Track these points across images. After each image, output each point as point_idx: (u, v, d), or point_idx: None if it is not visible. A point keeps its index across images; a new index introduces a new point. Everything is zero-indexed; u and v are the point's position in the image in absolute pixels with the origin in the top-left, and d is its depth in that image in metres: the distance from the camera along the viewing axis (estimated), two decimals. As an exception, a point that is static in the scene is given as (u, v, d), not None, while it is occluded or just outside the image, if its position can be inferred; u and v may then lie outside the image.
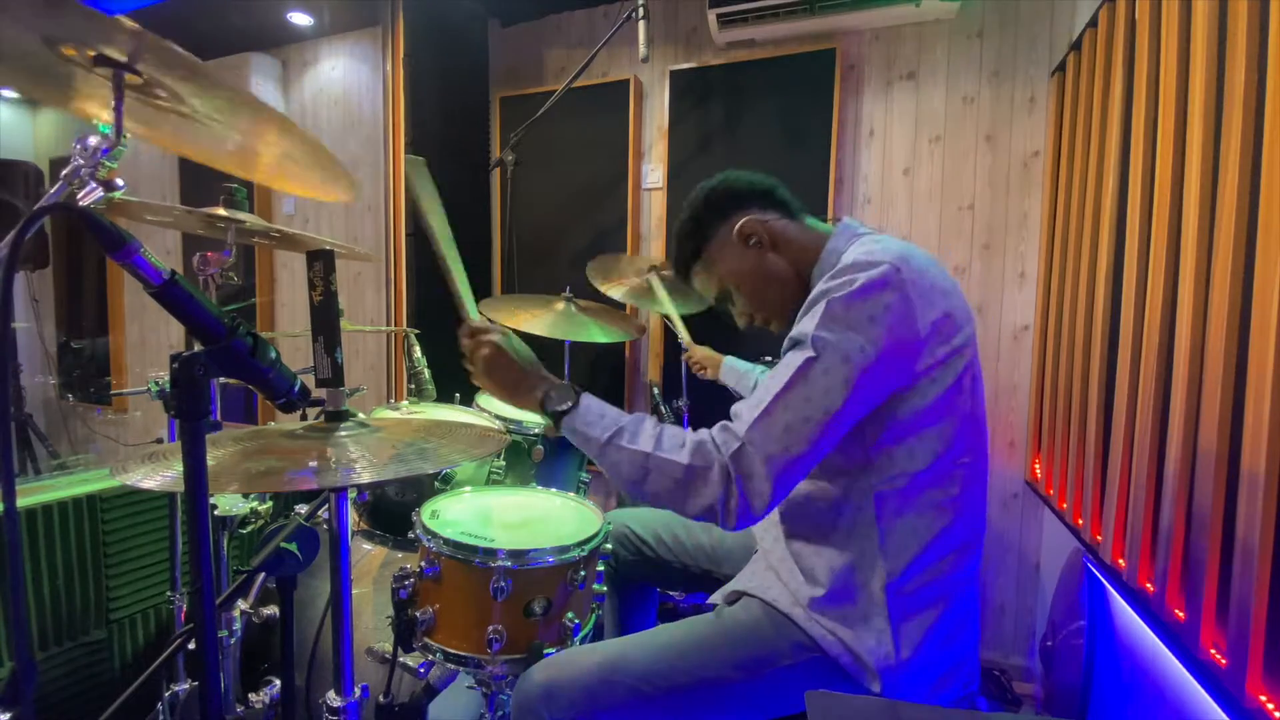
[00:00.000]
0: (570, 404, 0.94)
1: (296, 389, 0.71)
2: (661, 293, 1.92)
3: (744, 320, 1.11)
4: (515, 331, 1.96)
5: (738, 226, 1.04)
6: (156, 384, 1.26)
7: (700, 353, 1.81)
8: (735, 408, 0.90)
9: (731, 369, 1.69)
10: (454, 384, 1.89)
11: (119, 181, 0.85)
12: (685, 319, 1.90)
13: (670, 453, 0.87)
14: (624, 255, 2.40)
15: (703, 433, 0.89)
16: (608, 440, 0.90)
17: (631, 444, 0.89)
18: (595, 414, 0.93)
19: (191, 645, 0.63)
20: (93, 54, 0.77)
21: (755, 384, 1.54)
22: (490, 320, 1.07)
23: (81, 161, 0.82)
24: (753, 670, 0.94)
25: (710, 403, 1.97)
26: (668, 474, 0.86)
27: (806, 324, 0.87)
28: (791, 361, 0.86)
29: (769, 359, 2.17)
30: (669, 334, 2.44)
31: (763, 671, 0.94)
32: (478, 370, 1.01)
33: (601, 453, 0.91)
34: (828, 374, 0.84)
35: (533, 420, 1.61)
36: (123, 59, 0.76)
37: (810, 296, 0.90)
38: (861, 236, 0.99)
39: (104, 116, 0.84)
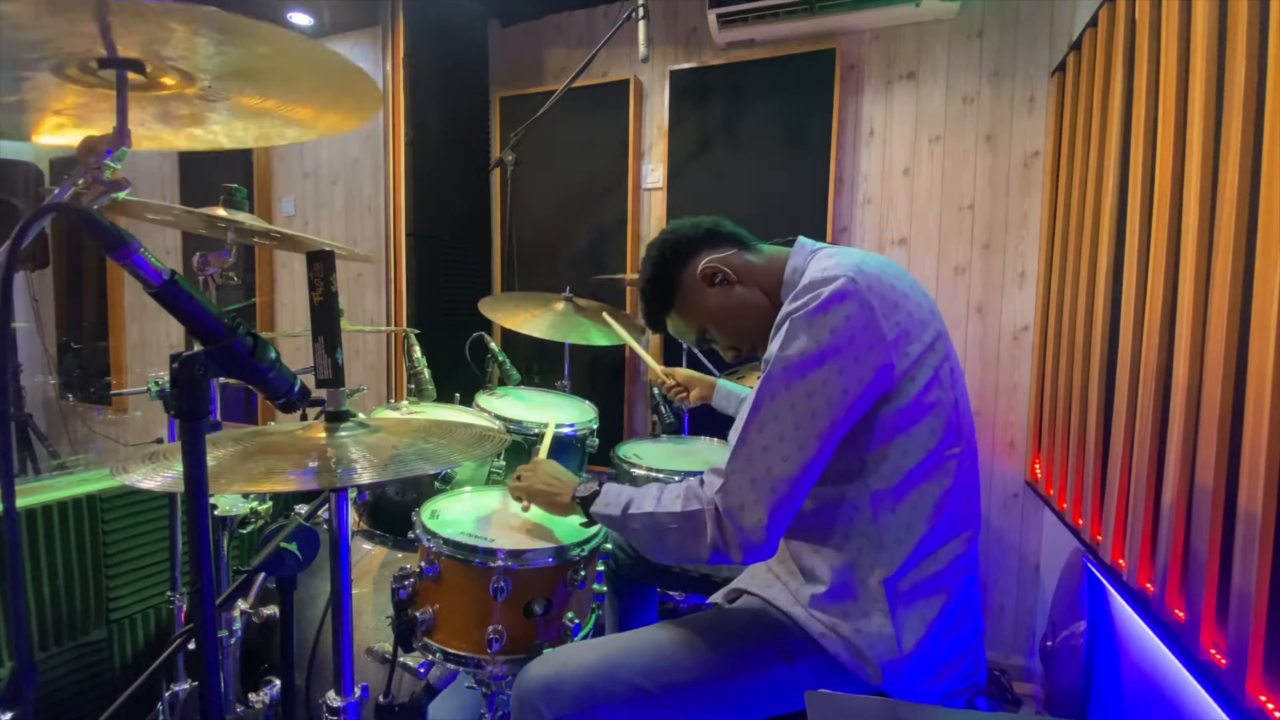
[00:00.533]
0: (591, 493, 1.04)
1: (296, 389, 0.71)
2: (619, 329, 1.83)
3: (730, 354, 1.12)
4: (515, 332, 1.96)
5: (699, 270, 1.07)
6: (156, 384, 1.26)
7: (681, 375, 1.61)
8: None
9: (728, 394, 1.56)
10: (454, 384, 1.89)
11: (125, 182, 0.85)
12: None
13: (668, 506, 0.93)
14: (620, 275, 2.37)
15: (693, 479, 0.95)
16: (623, 513, 0.98)
17: (639, 509, 0.96)
18: (613, 494, 1.02)
19: (191, 645, 0.63)
20: (96, 60, 0.77)
21: None
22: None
23: (84, 163, 0.82)
24: (753, 668, 0.94)
25: (710, 403, 1.97)
26: (670, 527, 0.92)
27: (773, 347, 0.90)
28: (760, 383, 0.90)
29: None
30: (670, 343, 2.44)
31: (763, 669, 0.94)
32: (525, 497, 1.15)
33: (623, 528, 0.99)
34: (799, 389, 0.86)
35: (533, 420, 1.61)
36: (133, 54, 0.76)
37: (776, 321, 0.92)
38: (817, 252, 1.02)
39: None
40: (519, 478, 1.15)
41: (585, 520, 1.07)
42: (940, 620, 0.92)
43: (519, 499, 1.16)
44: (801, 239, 1.07)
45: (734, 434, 0.91)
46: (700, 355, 1.99)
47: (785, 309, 0.91)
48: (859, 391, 0.86)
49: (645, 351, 1.68)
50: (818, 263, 0.97)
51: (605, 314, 1.92)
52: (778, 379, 0.87)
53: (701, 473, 0.94)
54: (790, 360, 0.87)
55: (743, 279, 1.06)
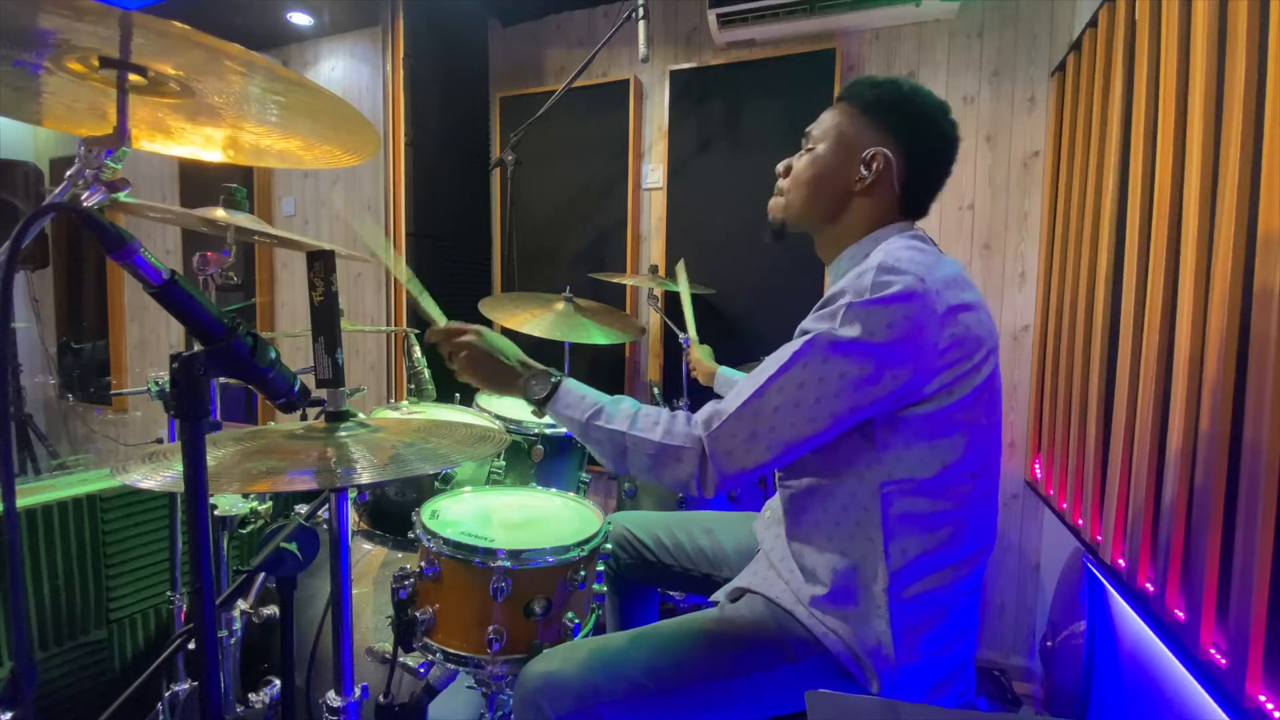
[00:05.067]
0: (549, 390, 1.00)
1: (296, 389, 0.71)
2: (684, 282, 1.89)
3: (781, 165, 1.07)
4: (516, 331, 1.96)
5: (870, 152, 0.98)
6: (156, 384, 1.26)
7: (696, 353, 1.75)
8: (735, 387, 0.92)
9: (726, 379, 1.62)
10: (454, 384, 1.89)
11: (125, 183, 0.85)
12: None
13: (644, 431, 0.92)
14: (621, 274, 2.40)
15: (680, 413, 0.94)
16: (587, 420, 0.97)
17: (608, 424, 0.95)
18: (576, 396, 1.00)
19: (191, 645, 0.63)
20: (97, 60, 0.77)
21: None
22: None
23: (84, 163, 0.82)
24: (754, 666, 0.94)
25: (710, 403, 1.97)
26: (642, 451, 0.92)
27: (820, 321, 0.88)
28: (793, 347, 0.88)
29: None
30: (669, 334, 2.44)
31: (765, 668, 0.94)
32: (461, 368, 1.06)
33: (583, 432, 0.98)
34: (831, 368, 0.84)
35: (533, 420, 1.61)
36: (115, 53, 0.76)
37: (829, 293, 0.90)
38: (904, 236, 0.98)
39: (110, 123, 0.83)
40: (462, 346, 1.04)
41: (535, 410, 1.02)
42: (938, 636, 0.92)
43: (452, 357, 1.06)
44: (916, 228, 1.03)
45: (747, 384, 0.89)
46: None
47: (842, 284, 0.88)
48: (891, 389, 0.85)
49: (692, 317, 1.82)
50: (896, 247, 0.93)
51: (680, 266, 1.95)
52: (816, 349, 0.85)
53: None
54: (834, 339, 0.85)
55: (867, 191, 1.00)
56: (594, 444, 0.98)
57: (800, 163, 1.05)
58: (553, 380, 1.01)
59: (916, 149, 0.99)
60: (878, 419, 0.88)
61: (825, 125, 1.04)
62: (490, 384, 1.05)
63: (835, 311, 0.86)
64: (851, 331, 0.84)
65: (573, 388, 1.01)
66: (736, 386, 0.91)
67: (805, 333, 0.89)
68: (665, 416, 0.93)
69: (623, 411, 0.96)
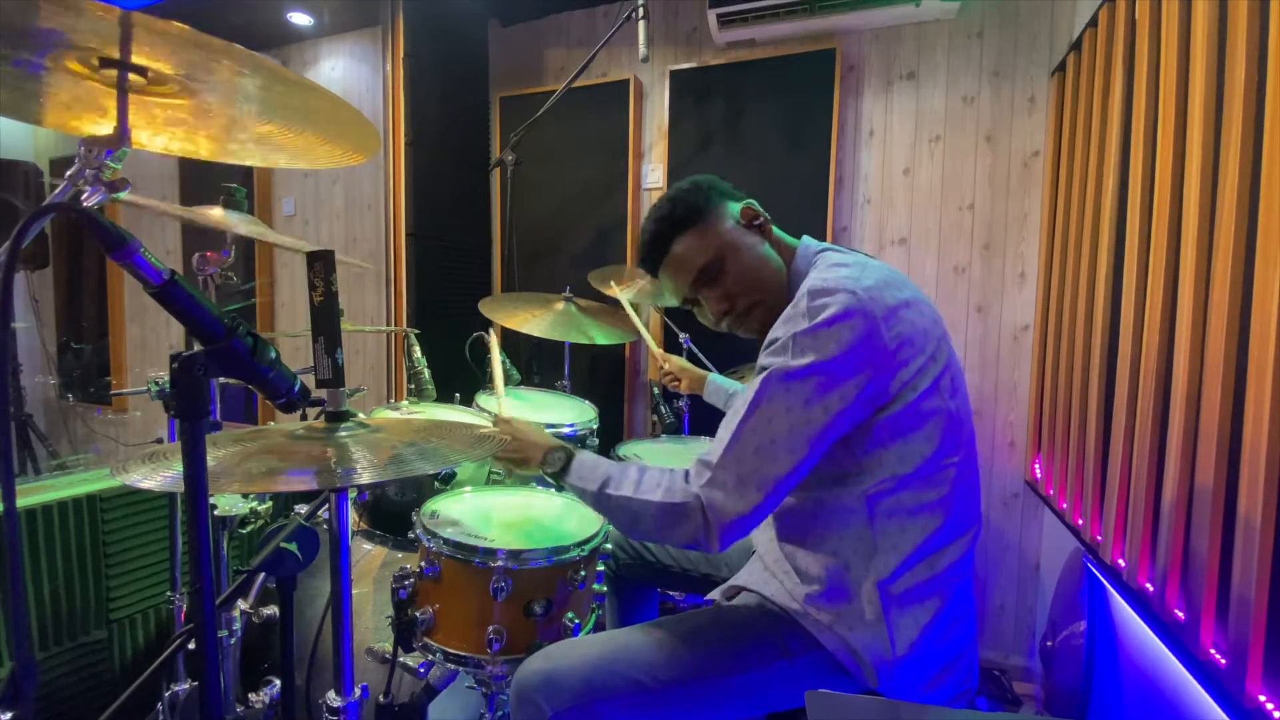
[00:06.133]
0: (563, 462, 1.02)
1: (296, 389, 0.71)
2: (629, 305, 1.85)
3: (721, 308, 1.05)
4: (515, 331, 1.96)
5: (741, 207, 1.06)
6: (156, 384, 1.26)
7: (675, 363, 1.66)
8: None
9: (717, 388, 1.57)
10: (454, 384, 1.89)
11: (125, 183, 0.85)
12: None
13: (647, 494, 0.93)
14: (621, 267, 2.40)
15: (678, 470, 0.94)
16: (599, 490, 0.97)
17: (616, 491, 0.95)
18: (589, 467, 1.00)
19: (191, 645, 0.63)
20: (97, 60, 0.77)
21: None
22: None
23: (85, 163, 0.82)
24: (752, 664, 0.94)
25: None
26: (648, 514, 0.93)
27: (773, 356, 0.90)
28: (754, 386, 0.90)
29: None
30: (669, 335, 2.44)
31: (762, 665, 0.94)
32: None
33: (597, 503, 0.99)
34: (794, 396, 0.86)
35: (533, 421, 1.61)
36: (115, 54, 0.76)
37: (773, 331, 0.92)
38: (821, 254, 1.02)
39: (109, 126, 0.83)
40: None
41: (556, 486, 1.06)
42: (934, 625, 0.92)
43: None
44: (806, 239, 1.07)
45: (725, 430, 0.91)
46: (696, 351, 1.99)
47: (784, 318, 0.91)
48: (855, 399, 0.87)
49: (648, 333, 1.72)
50: (820, 270, 0.96)
51: (617, 285, 1.93)
52: (774, 384, 0.88)
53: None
54: (790, 368, 0.87)
55: (771, 241, 1.07)
56: (609, 514, 0.99)
57: (729, 284, 1.04)
58: (568, 453, 1.03)
59: (725, 191, 1.07)
60: (853, 429, 0.90)
61: (704, 253, 1.03)
62: (516, 465, 1.08)
63: (785, 344, 0.89)
64: (804, 360, 0.87)
65: (586, 459, 1.02)
66: (719, 431, 0.93)
67: (763, 369, 0.91)
68: (667, 477, 0.94)
69: (629, 477, 0.97)
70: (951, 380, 0.94)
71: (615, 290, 1.90)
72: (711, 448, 0.92)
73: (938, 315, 0.97)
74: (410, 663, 1.17)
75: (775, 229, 1.10)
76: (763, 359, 0.92)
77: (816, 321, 0.87)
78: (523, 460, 1.06)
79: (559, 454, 1.03)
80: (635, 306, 1.84)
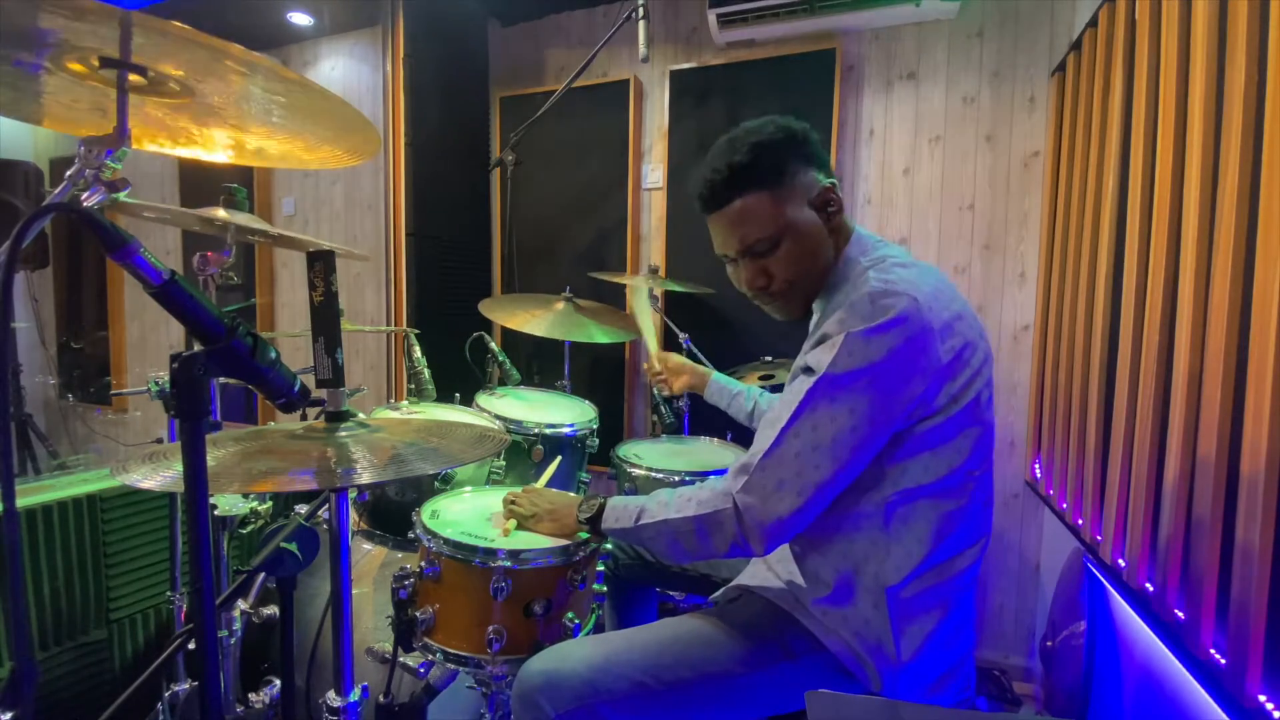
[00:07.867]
0: (595, 510, 1.04)
1: (296, 389, 0.71)
2: (638, 303, 1.77)
3: (758, 282, 0.98)
4: (515, 331, 1.96)
5: (819, 190, 0.96)
6: (156, 384, 1.26)
7: (674, 361, 1.55)
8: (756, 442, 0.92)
9: (720, 388, 1.48)
10: (454, 384, 1.89)
11: (125, 183, 0.85)
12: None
13: (681, 511, 0.93)
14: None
15: (712, 481, 0.94)
16: (635, 525, 0.98)
17: (652, 519, 0.96)
18: (620, 508, 1.01)
19: (191, 645, 0.63)
20: (97, 60, 0.77)
21: (754, 406, 1.41)
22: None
23: (84, 163, 0.82)
24: (754, 665, 0.94)
25: (710, 403, 1.97)
26: (687, 530, 0.93)
27: (822, 354, 0.87)
28: (801, 389, 0.88)
29: (769, 359, 2.17)
30: (669, 335, 2.43)
31: (765, 666, 0.94)
32: (527, 524, 1.12)
33: (638, 537, 0.99)
34: (842, 404, 0.85)
35: (533, 420, 1.61)
36: (114, 53, 0.76)
37: (825, 326, 0.89)
38: (876, 248, 0.98)
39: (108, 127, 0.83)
40: (514, 503, 1.14)
41: (593, 536, 1.07)
42: (939, 631, 0.92)
43: (515, 520, 1.12)
44: (859, 228, 1.01)
45: (768, 431, 0.89)
46: (696, 351, 1.99)
47: (838, 316, 0.87)
48: (903, 409, 0.86)
49: (650, 332, 1.66)
50: (883, 270, 0.91)
51: (640, 287, 1.87)
52: (823, 389, 0.86)
53: (702, 474, 0.94)
54: (840, 373, 0.85)
55: (834, 229, 0.98)
56: (653, 545, 0.98)
57: (779, 256, 0.96)
58: (600, 501, 1.04)
59: (816, 154, 0.97)
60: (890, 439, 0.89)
61: (767, 220, 0.94)
62: (556, 533, 1.09)
63: (835, 342, 0.86)
64: (855, 361, 0.85)
65: (616, 502, 1.03)
66: (759, 433, 0.92)
67: (808, 370, 0.89)
68: (697, 490, 0.94)
69: (660, 502, 0.97)
70: (990, 396, 0.93)
71: (630, 283, 1.86)
72: (752, 449, 0.91)
73: (982, 328, 0.95)
74: (410, 663, 1.16)
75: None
76: (810, 356, 0.89)
77: (875, 324, 0.84)
78: (561, 523, 1.08)
79: (591, 503, 1.05)
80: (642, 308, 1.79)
